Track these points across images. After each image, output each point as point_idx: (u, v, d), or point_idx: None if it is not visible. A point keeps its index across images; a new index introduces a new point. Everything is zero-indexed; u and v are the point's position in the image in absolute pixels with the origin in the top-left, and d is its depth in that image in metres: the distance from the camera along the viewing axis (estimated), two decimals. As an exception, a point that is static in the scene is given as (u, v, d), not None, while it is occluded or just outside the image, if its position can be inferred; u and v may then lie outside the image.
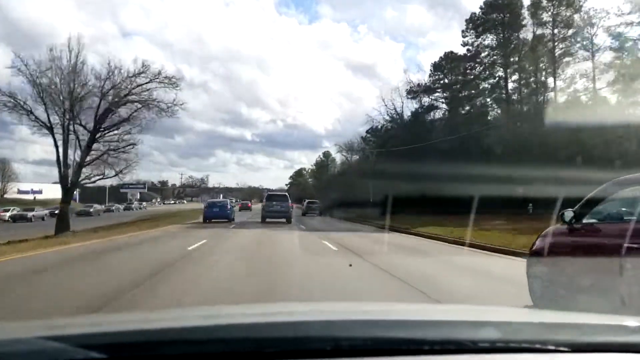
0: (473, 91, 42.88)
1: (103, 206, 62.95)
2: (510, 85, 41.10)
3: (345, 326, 1.29)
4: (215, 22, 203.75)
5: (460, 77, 44.27)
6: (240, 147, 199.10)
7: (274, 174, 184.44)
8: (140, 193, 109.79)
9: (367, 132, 57.17)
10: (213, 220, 27.05)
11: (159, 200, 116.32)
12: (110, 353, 1.08)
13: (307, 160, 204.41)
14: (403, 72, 67.45)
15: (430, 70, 46.42)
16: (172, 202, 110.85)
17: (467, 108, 43.35)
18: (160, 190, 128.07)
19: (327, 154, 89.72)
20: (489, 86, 42.42)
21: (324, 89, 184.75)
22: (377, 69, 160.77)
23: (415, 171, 30.52)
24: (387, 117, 50.11)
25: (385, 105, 49.33)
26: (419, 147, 36.18)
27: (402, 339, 1.19)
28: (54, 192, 58.18)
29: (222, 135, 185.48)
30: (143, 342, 1.17)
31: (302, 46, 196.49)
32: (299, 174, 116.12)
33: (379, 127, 51.87)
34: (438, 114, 46.92)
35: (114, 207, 65.12)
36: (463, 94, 43.55)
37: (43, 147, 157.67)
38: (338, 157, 73.93)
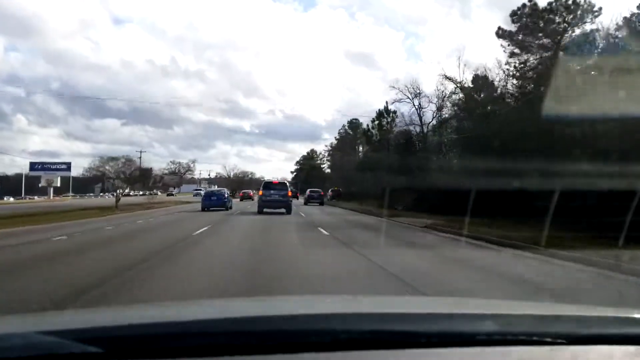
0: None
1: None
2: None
3: (343, 319, 1.30)
4: (208, 9, 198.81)
5: None
6: (240, 139, 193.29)
7: (275, 166, 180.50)
8: (108, 181, 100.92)
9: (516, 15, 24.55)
10: (211, 209, 28.38)
11: (126, 190, 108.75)
12: (107, 347, 1.07)
13: (306, 151, 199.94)
14: None
15: None
16: (141, 193, 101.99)
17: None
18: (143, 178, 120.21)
19: (354, 123, 62.15)
20: None
21: (323, 79, 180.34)
22: (376, 58, 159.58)
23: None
24: None
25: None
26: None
27: (400, 332, 1.20)
28: None
29: (220, 126, 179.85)
30: (140, 335, 1.16)
31: (298, 34, 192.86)
32: (309, 157, 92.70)
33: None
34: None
35: None
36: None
37: (42, 139, 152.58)
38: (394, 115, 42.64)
